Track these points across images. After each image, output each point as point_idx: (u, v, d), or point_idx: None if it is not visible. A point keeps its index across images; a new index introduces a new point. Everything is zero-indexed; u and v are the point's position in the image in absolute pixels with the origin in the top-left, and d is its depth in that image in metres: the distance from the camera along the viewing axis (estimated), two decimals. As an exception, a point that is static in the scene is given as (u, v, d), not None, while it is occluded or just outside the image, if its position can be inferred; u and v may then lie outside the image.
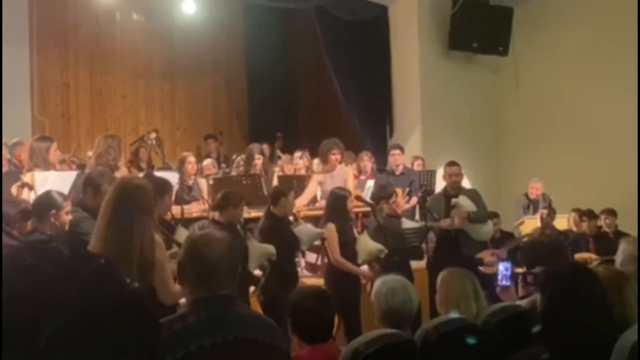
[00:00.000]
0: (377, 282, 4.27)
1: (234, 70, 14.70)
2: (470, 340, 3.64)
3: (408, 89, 12.46)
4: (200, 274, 2.69)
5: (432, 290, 4.99)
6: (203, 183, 9.07)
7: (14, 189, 6.23)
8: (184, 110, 14.18)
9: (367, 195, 8.72)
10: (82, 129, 12.80)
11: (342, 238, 7.02)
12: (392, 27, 12.61)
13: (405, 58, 12.51)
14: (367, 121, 12.39)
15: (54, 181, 6.28)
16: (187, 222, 7.08)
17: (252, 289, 6.50)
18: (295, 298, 3.79)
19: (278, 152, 12.34)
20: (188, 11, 12.25)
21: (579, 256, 8.78)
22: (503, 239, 9.47)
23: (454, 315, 4.13)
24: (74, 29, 12.68)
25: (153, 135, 9.91)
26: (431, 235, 7.94)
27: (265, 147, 10.69)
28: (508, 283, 5.01)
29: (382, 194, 7.80)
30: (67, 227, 5.11)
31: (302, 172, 10.11)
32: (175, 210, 7.02)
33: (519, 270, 4.48)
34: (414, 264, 7.79)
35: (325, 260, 7.40)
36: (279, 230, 6.73)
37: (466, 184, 9.15)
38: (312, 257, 8.40)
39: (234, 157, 10.60)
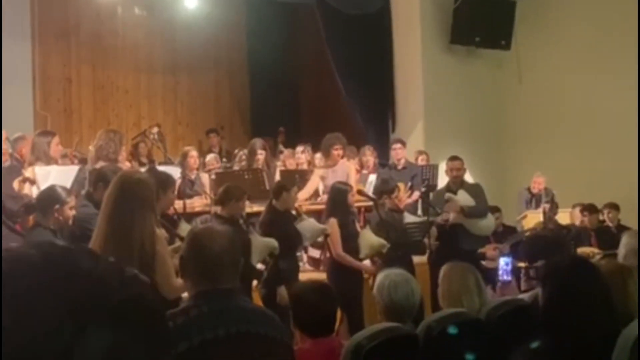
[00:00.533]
0: (379, 276, 4.27)
1: (236, 65, 14.69)
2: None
3: (410, 84, 12.44)
4: (202, 268, 2.69)
5: (434, 284, 4.99)
6: (205, 177, 9.07)
7: (15, 184, 6.23)
8: (186, 105, 14.18)
9: (369, 189, 8.72)
10: (84, 124, 12.81)
11: (344, 233, 7.02)
12: (394, 22, 12.59)
13: (407, 52, 12.49)
14: (369, 116, 12.37)
15: (56, 176, 6.28)
16: (189, 216, 7.09)
17: (254, 282, 6.50)
18: (297, 292, 3.80)
19: (280, 147, 12.33)
20: (190, 6, 12.25)
21: (582, 250, 8.75)
22: (505, 233, 9.46)
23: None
24: (75, 24, 12.68)
25: (155, 129, 9.92)
26: (433, 230, 7.94)
27: (267, 142, 10.69)
28: (509, 278, 5.02)
29: (384, 189, 7.80)
30: (70, 222, 5.12)
31: (304, 166, 10.10)
32: (178, 204, 7.02)
33: (521, 264, 4.48)
34: (416, 259, 7.79)
35: (328, 255, 7.40)
36: (279, 225, 6.73)
37: (469, 178, 9.14)
38: (314, 251, 8.40)
39: (236, 151, 10.59)
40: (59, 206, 5.03)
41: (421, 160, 10.72)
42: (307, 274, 7.70)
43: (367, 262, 7.21)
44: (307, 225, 7.17)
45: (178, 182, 7.81)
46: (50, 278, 0.77)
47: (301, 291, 3.77)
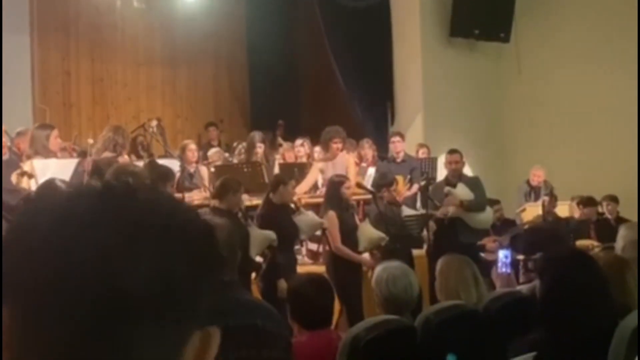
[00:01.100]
0: (378, 269, 4.27)
1: (235, 58, 14.66)
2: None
3: (410, 76, 12.43)
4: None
5: (433, 277, 5.00)
6: (204, 171, 9.07)
7: (13, 177, 6.23)
8: (185, 98, 14.16)
9: (368, 182, 8.72)
10: (83, 117, 12.79)
11: (343, 226, 7.02)
12: (394, 14, 12.56)
13: (406, 45, 12.47)
14: (369, 108, 12.36)
15: (55, 169, 6.29)
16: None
17: (253, 275, 6.51)
18: (294, 285, 3.80)
19: (279, 140, 12.32)
20: (189, -2, 12.23)
21: (581, 243, 8.76)
22: (505, 226, 9.46)
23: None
24: (74, 17, 12.66)
25: (154, 123, 9.87)
26: (432, 223, 7.95)
27: (266, 135, 10.67)
28: (508, 270, 5.03)
29: (383, 182, 7.81)
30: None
31: (304, 160, 10.10)
32: (177, 198, 7.01)
33: (520, 257, 4.49)
34: (415, 252, 7.80)
35: (327, 248, 7.40)
36: (276, 218, 6.73)
37: (468, 171, 9.14)
38: (313, 245, 8.42)
39: (235, 144, 10.59)
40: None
41: (422, 154, 10.71)
42: (307, 267, 7.72)
43: (366, 255, 7.21)
44: (305, 218, 7.17)
45: (177, 175, 7.82)
46: (110, 204, 0.78)
47: (298, 284, 3.78)
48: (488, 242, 8.43)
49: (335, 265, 6.96)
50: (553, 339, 2.95)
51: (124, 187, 0.82)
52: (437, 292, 4.44)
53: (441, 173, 9.21)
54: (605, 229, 9.04)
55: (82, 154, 8.14)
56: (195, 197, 8.24)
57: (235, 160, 9.73)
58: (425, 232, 7.92)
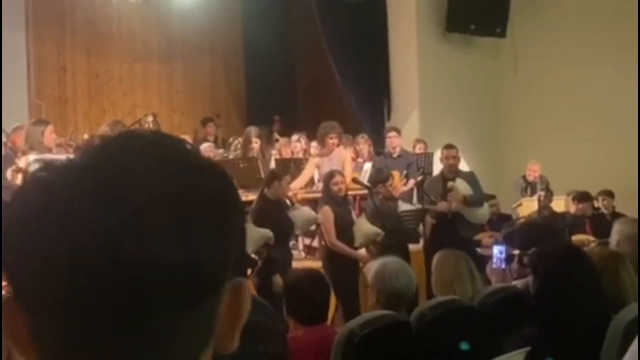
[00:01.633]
0: (376, 265, 4.27)
1: (232, 53, 14.65)
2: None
3: (406, 72, 12.43)
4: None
5: (429, 272, 5.01)
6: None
7: (8, 173, 6.22)
8: (182, 93, 14.15)
9: (364, 178, 8.72)
10: (79, 113, 12.77)
11: (339, 221, 7.02)
12: (390, 9, 12.55)
13: (402, 40, 12.46)
14: (365, 104, 12.36)
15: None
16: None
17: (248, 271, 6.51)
18: (290, 280, 3.81)
19: (276, 135, 12.31)
20: (185, -7, 12.21)
21: (577, 238, 8.77)
22: (501, 221, 9.47)
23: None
24: (70, 12, 12.63)
25: (150, 118, 9.87)
26: (428, 218, 7.96)
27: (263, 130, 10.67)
28: (503, 266, 5.02)
29: (379, 178, 7.81)
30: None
31: (300, 155, 10.10)
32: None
33: (515, 252, 4.50)
34: (411, 247, 7.80)
35: (323, 243, 7.41)
36: (271, 213, 6.73)
37: (464, 166, 9.15)
38: (307, 239, 8.43)
39: (231, 140, 10.58)
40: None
41: (419, 149, 10.72)
42: (303, 262, 7.72)
43: (362, 251, 7.21)
44: (300, 214, 7.18)
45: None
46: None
47: (294, 279, 3.78)
48: (484, 237, 8.44)
49: (331, 260, 6.97)
50: (547, 334, 2.96)
51: (114, 151, 0.73)
52: (432, 287, 4.45)
53: (437, 168, 9.22)
54: (601, 224, 9.04)
55: (78, 150, 8.13)
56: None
57: (231, 156, 9.72)
58: (421, 227, 7.92)
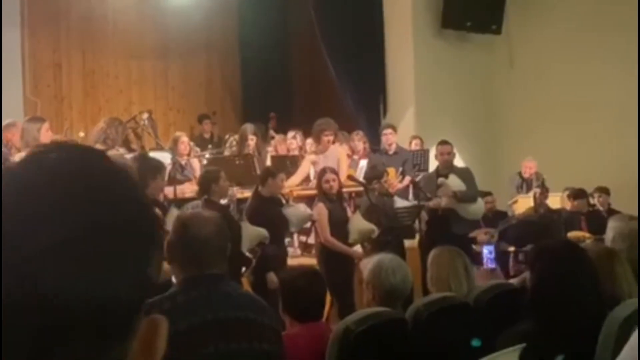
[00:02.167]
0: (372, 261, 4.26)
1: (228, 50, 14.63)
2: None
3: (401, 69, 12.42)
4: (190, 253, 2.69)
5: (425, 269, 5.01)
6: (196, 163, 9.06)
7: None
8: (177, 90, 14.13)
9: (360, 175, 8.72)
10: (75, 110, 12.75)
11: (334, 218, 7.02)
12: (386, 6, 12.55)
13: (398, 37, 12.46)
14: (361, 101, 12.36)
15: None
16: (180, 202, 7.08)
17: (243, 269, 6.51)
18: (287, 277, 3.81)
19: (271, 132, 12.31)
20: (180, -10, 12.19)
21: (572, 235, 8.78)
22: (497, 217, 9.48)
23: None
24: (65, 9, 12.60)
25: (145, 115, 9.85)
26: (423, 214, 7.96)
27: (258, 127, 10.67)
28: (493, 265, 5.03)
29: (374, 174, 7.82)
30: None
31: (296, 152, 10.10)
32: (168, 190, 7.01)
33: (510, 249, 4.50)
34: (407, 243, 7.81)
35: (319, 240, 7.41)
36: (264, 211, 6.72)
37: (459, 162, 9.15)
38: (302, 237, 8.44)
39: (227, 137, 10.58)
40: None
41: (415, 145, 10.72)
42: (299, 260, 7.73)
43: (356, 248, 7.21)
44: (294, 211, 7.18)
45: (169, 167, 7.80)
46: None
47: (290, 277, 3.78)
48: (479, 234, 8.45)
49: (326, 257, 6.97)
50: (542, 330, 2.96)
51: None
52: (428, 283, 4.46)
53: (433, 165, 9.22)
54: (597, 221, 9.05)
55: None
56: (186, 190, 8.23)
57: (227, 153, 9.72)
58: (417, 224, 7.92)
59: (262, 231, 6.44)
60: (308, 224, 7.69)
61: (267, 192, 6.85)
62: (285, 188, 8.09)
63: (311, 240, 8.22)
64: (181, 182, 8.36)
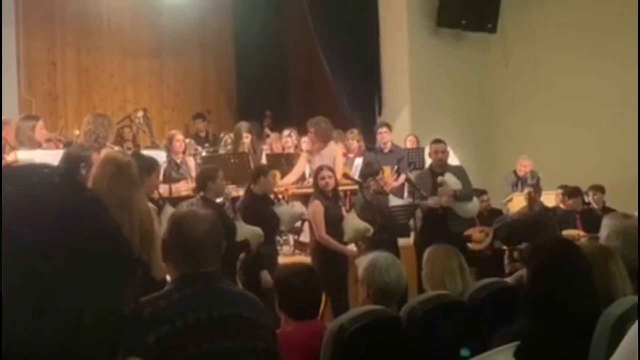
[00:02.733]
0: (367, 259, 4.26)
1: (223, 49, 14.61)
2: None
3: (397, 67, 12.43)
4: (185, 251, 2.69)
5: (420, 267, 5.01)
6: (191, 161, 9.05)
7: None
8: (172, 88, 14.11)
9: (355, 173, 8.72)
10: (69, 108, 12.73)
11: (327, 216, 7.01)
12: (381, 5, 12.55)
13: (393, 36, 12.46)
14: (356, 99, 12.36)
15: (40, 160, 6.24)
16: (175, 200, 7.07)
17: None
18: (283, 275, 3.80)
19: (267, 131, 12.31)
20: (176, -12, 12.17)
21: (567, 233, 8.79)
22: (492, 216, 9.49)
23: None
24: (60, 7, 12.57)
25: (140, 113, 9.86)
26: (418, 213, 7.96)
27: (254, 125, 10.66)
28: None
29: (369, 172, 7.82)
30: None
31: (291, 150, 10.10)
32: (163, 189, 7.00)
33: (505, 247, 4.51)
34: (402, 241, 7.81)
35: (313, 238, 7.41)
36: (256, 209, 6.72)
37: (454, 160, 9.16)
38: (293, 235, 8.44)
39: (222, 135, 10.57)
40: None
41: (410, 143, 10.72)
42: (293, 258, 7.72)
43: (351, 246, 7.21)
44: (285, 210, 7.18)
45: (164, 166, 7.79)
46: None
47: (287, 274, 3.77)
48: (475, 232, 8.46)
49: (321, 255, 6.96)
50: (537, 328, 2.97)
51: None
52: (423, 282, 4.46)
53: (429, 163, 9.23)
54: (592, 219, 9.06)
55: (68, 145, 8.09)
56: (182, 188, 8.22)
57: (222, 151, 9.71)
58: (412, 222, 7.93)
59: (257, 230, 6.44)
60: (299, 223, 7.69)
61: (259, 190, 6.85)
62: (280, 186, 8.09)
63: (302, 238, 8.23)
64: (177, 181, 8.35)
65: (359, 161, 9.43)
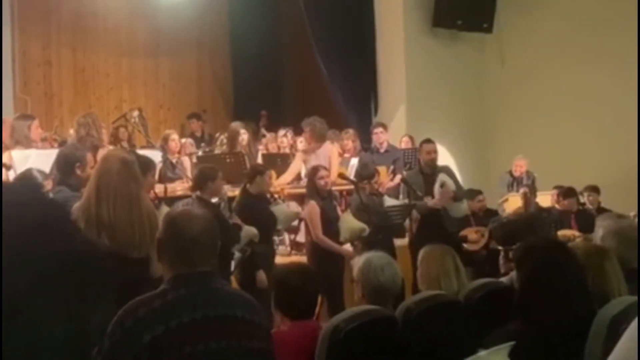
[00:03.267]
0: (361, 260, 4.26)
1: (219, 48, 14.61)
2: None
3: (393, 67, 12.43)
4: (179, 251, 2.68)
5: (415, 267, 5.01)
6: (187, 161, 9.05)
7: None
8: (168, 88, 14.11)
9: (351, 173, 8.72)
10: (65, 107, 12.72)
11: (323, 216, 7.01)
12: (377, 5, 12.56)
13: (389, 36, 12.47)
14: (352, 99, 12.37)
15: (35, 159, 6.24)
16: (171, 200, 7.06)
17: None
18: (280, 274, 3.79)
19: (262, 131, 12.31)
20: (171, -12, 12.16)
21: (562, 233, 8.80)
22: (487, 216, 9.48)
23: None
24: (56, 6, 12.56)
25: (135, 113, 9.84)
26: (414, 213, 7.96)
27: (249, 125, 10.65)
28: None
29: (364, 174, 7.82)
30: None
31: (287, 150, 10.10)
32: (159, 188, 6.99)
33: (500, 247, 4.51)
34: (397, 242, 7.81)
35: (309, 238, 7.40)
36: (253, 209, 6.71)
37: (448, 160, 9.17)
38: (290, 235, 8.44)
39: (217, 135, 10.57)
40: (34, 191, 4.96)
41: (405, 144, 10.73)
42: (289, 258, 7.72)
43: (347, 246, 7.21)
44: (281, 209, 7.17)
45: (159, 166, 7.78)
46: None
47: (284, 274, 3.77)
48: (470, 232, 8.46)
49: (317, 255, 6.96)
50: (531, 328, 2.97)
51: None
52: (418, 282, 4.46)
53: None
54: (587, 220, 9.06)
55: (63, 144, 8.08)
56: (177, 188, 8.21)
57: (217, 151, 9.71)
58: (407, 222, 7.93)
59: (252, 229, 6.43)
60: (295, 222, 7.68)
61: (255, 189, 6.84)
62: (276, 186, 8.09)
63: (299, 238, 8.22)
64: (172, 180, 8.35)
65: (354, 161, 9.44)
